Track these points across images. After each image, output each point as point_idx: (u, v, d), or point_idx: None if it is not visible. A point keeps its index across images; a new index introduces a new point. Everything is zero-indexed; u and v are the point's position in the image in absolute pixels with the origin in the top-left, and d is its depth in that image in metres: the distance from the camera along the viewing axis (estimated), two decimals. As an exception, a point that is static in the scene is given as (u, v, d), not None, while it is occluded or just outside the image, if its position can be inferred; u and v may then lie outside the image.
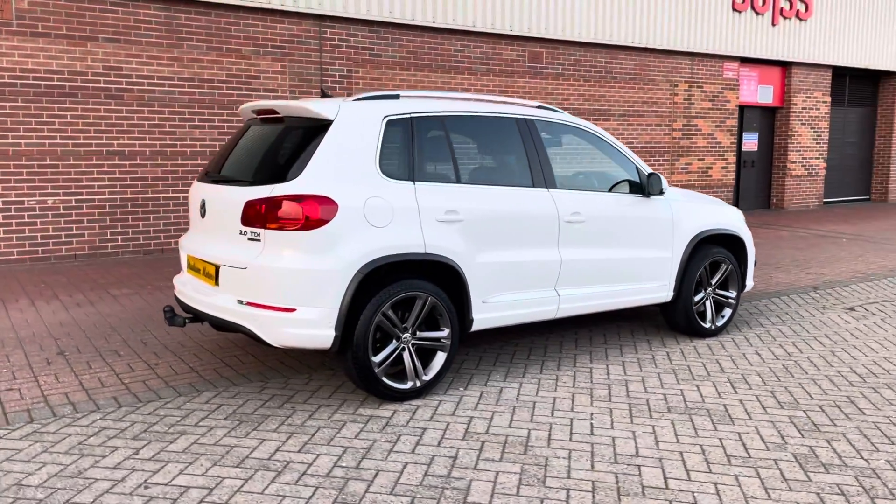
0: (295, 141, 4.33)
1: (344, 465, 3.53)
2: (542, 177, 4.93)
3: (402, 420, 4.09)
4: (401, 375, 4.35)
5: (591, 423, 4.08)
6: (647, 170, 5.49)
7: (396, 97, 4.62)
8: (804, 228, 12.85)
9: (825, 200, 17.33)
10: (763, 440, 3.88)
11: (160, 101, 9.28)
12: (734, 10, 14.46)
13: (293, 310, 4.01)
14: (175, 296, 4.88)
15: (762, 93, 15.56)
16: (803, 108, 16.10)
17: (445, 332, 4.43)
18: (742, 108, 15.31)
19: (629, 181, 5.41)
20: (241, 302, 4.13)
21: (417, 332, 4.36)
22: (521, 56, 12.00)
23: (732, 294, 5.96)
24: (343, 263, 4.04)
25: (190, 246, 4.70)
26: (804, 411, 4.29)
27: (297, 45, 10.07)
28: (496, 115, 4.90)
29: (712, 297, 5.87)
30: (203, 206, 4.54)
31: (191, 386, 4.58)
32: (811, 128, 16.32)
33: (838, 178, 17.75)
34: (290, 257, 4.01)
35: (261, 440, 3.80)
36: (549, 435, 3.91)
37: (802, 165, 16.33)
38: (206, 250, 4.44)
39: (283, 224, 4.01)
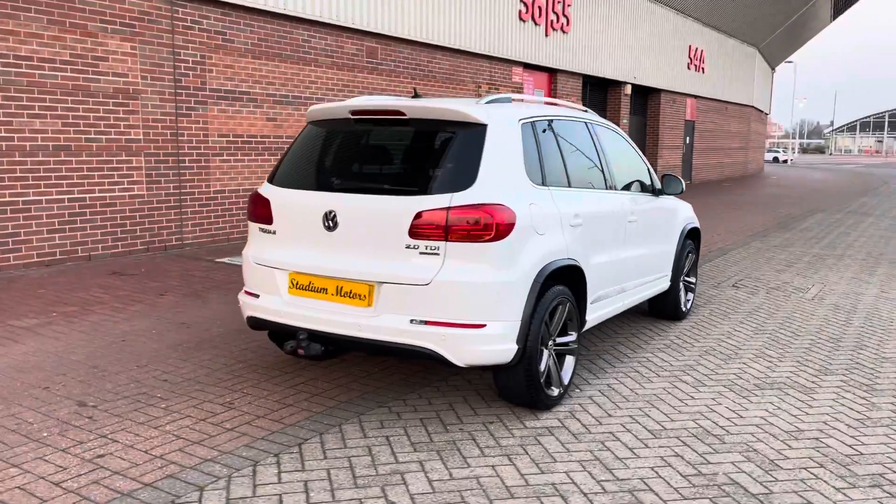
0: (443, 146, 4.01)
1: (602, 478, 3.46)
2: (611, 178, 5.16)
3: (578, 427, 4.06)
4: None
5: (728, 408, 4.45)
6: (653, 172, 5.99)
7: (508, 100, 4.50)
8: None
9: (577, 192, 19.62)
10: (856, 402, 4.58)
11: (-10, 82, 7.51)
12: (520, 19, 15.71)
13: (483, 325, 3.76)
14: (264, 320, 4.19)
15: (537, 96, 17.11)
16: (565, 111, 18.03)
17: (574, 336, 4.47)
18: (524, 109, 16.68)
19: (643, 181, 5.86)
20: (415, 321, 3.75)
21: (556, 339, 4.35)
22: (360, 51, 11.80)
23: (694, 279, 6.74)
24: (524, 273, 3.89)
25: (299, 262, 4.08)
26: (843, 375, 5.13)
27: (147, 25, 8.80)
28: (576, 118, 5.00)
29: (683, 284, 6.60)
30: (332, 218, 3.97)
31: (317, 422, 4.00)
32: (570, 128, 18.35)
33: (582, 173, 20.22)
34: (480, 270, 3.75)
35: (489, 466, 3.53)
36: (715, 423, 4.20)
37: (565, 161, 18.31)
38: (349, 267, 3.91)
39: (471, 235, 3.73)
